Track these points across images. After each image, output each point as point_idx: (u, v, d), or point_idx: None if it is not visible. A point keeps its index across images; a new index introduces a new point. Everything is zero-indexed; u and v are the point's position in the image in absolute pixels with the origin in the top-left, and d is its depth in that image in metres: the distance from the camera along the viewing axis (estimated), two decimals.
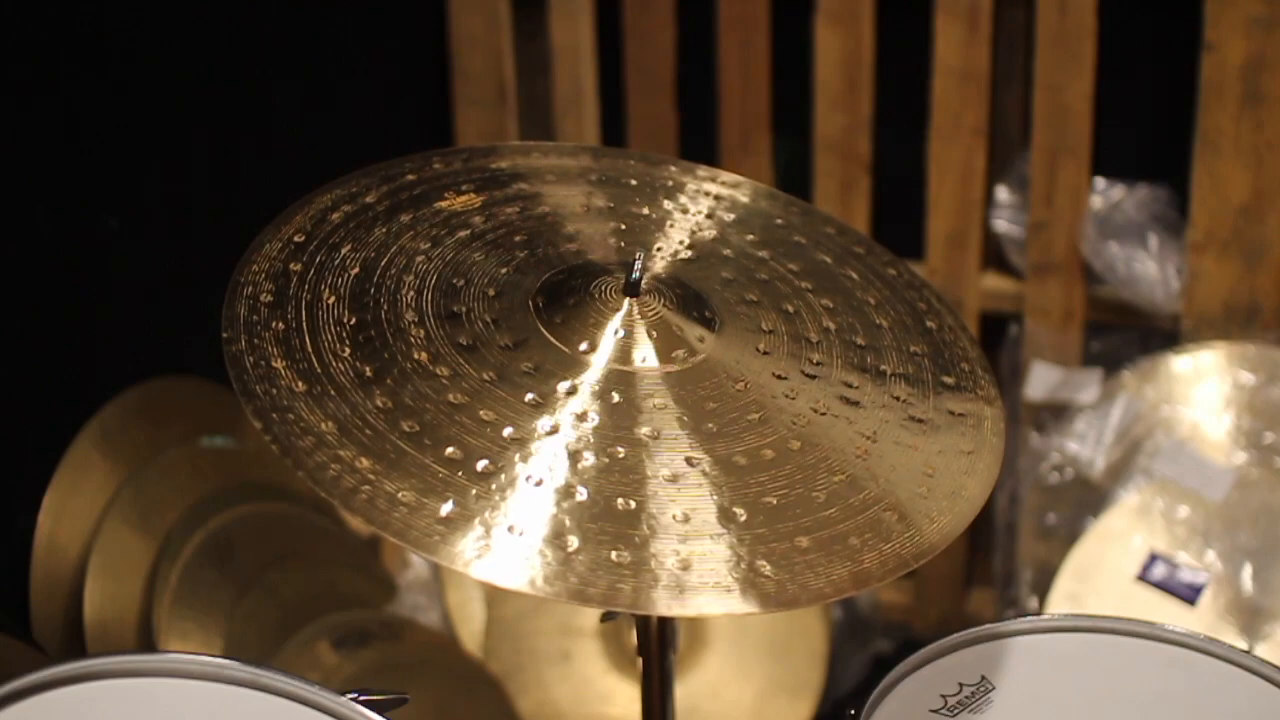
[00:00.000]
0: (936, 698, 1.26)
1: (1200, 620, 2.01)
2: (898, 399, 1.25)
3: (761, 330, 1.26)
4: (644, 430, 1.15)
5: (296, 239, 1.24)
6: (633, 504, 1.10)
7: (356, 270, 1.22)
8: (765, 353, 1.25)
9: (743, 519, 1.11)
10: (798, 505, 1.13)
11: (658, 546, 1.08)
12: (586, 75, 2.46)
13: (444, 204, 1.31)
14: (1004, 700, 1.27)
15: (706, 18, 2.38)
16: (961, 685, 1.28)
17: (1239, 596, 2.04)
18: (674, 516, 1.10)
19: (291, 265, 1.21)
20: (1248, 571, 2.04)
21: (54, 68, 1.85)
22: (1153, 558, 2.07)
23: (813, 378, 1.24)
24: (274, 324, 1.16)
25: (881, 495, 1.17)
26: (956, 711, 1.26)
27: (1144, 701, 1.28)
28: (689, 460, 1.14)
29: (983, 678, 1.29)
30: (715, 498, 1.12)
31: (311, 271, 1.21)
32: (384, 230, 1.26)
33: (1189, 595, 2.05)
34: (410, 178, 1.33)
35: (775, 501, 1.13)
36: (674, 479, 1.12)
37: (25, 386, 1.87)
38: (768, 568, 1.09)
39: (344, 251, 1.23)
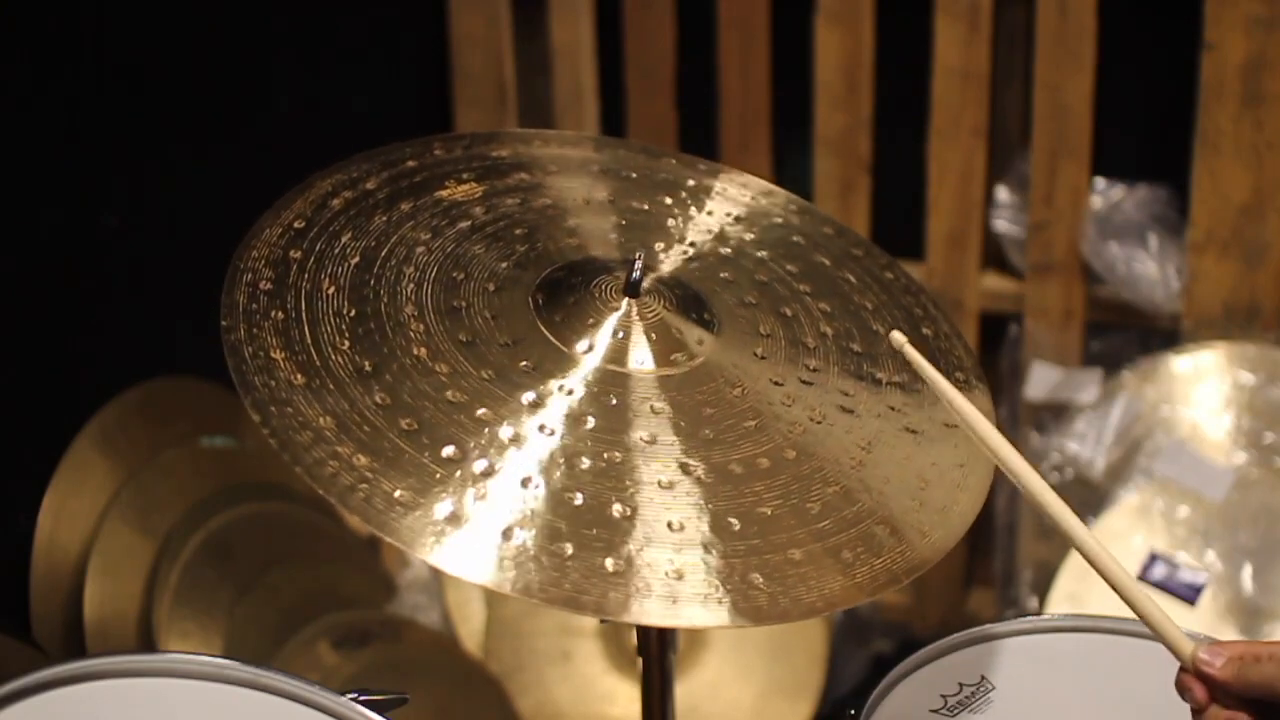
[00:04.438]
0: (936, 698, 1.26)
1: (1200, 620, 2.01)
2: (893, 409, 1.24)
3: (759, 334, 1.25)
4: (640, 435, 1.13)
5: (297, 225, 1.21)
6: (627, 510, 1.08)
7: (356, 260, 1.20)
8: (763, 357, 1.23)
9: (736, 529, 1.10)
10: (792, 516, 1.12)
11: (651, 555, 1.06)
12: (586, 75, 2.46)
13: (445, 193, 1.29)
14: (1004, 700, 1.27)
15: (706, 18, 2.38)
16: (961, 685, 1.28)
17: (1239, 596, 2.04)
18: (668, 525, 1.08)
19: (291, 252, 1.19)
20: (1248, 571, 2.04)
21: (54, 67, 1.85)
22: (1153, 558, 2.07)
23: (809, 385, 1.22)
24: (273, 313, 1.14)
25: (875, 508, 1.15)
26: (956, 711, 1.25)
27: (1144, 701, 1.28)
28: (684, 467, 1.12)
29: (983, 678, 1.29)
30: (710, 506, 1.10)
31: (311, 260, 1.19)
32: (384, 219, 1.24)
33: (1189, 595, 2.04)
34: (411, 164, 1.31)
35: (770, 512, 1.11)
36: (669, 486, 1.11)
37: (25, 386, 1.87)
38: (760, 580, 1.07)
39: (344, 240, 1.21)
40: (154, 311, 2.01)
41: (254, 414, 1.07)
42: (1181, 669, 1.06)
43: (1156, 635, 1.08)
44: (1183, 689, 1.05)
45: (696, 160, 1.43)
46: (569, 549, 1.05)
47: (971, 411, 1.15)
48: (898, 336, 1.19)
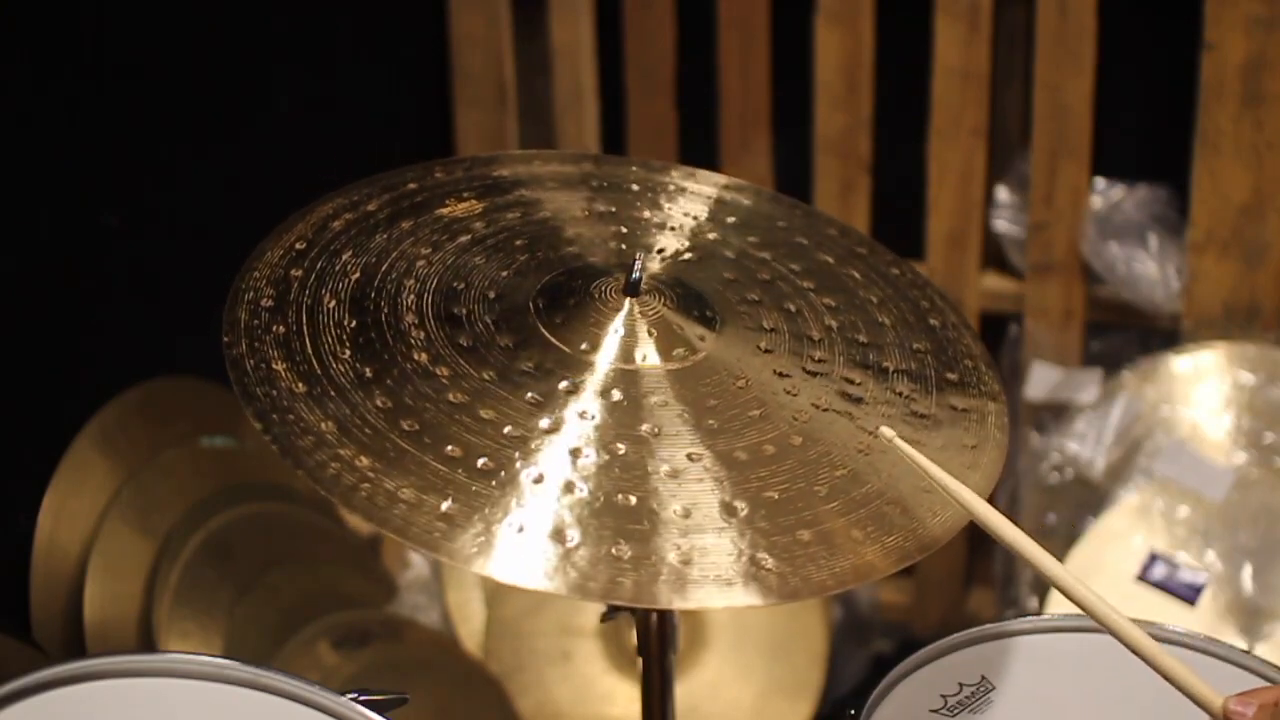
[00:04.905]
0: (936, 698, 1.26)
1: (1200, 620, 2.01)
2: (900, 395, 1.25)
3: (763, 329, 1.27)
4: (645, 427, 1.15)
5: (298, 246, 1.24)
6: (634, 499, 1.10)
7: (357, 275, 1.22)
8: (767, 351, 1.25)
9: (744, 513, 1.11)
10: (799, 499, 1.14)
11: (659, 541, 1.08)
12: (586, 75, 2.46)
13: (445, 210, 1.31)
14: (1004, 700, 1.27)
15: (706, 18, 2.38)
16: (961, 685, 1.28)
17: (1239, 596, 2.04)
18: (675, 511, 1.10)
19: (292, 271, 1.21)
20: (1248, 571, 2.04)
21: (54, 67, 1.85)
22: (1153, 558, 2.07)
23: (814, 375, 1.24)
24: (275, 328, 1.16)
25: (884, 489, 1.17)
26: (956, 711, 1.26)
27: (1144, 702, 1.28)
28: (690, 456, 1.14)
29: (983, 678, 1.29)
30: (716, 493, 1.12)
31: (312, 277, 1.21)
32: (385, 236, 1.27)
33: (1189, 595, 2.04)
34: (412, 186, 1.34)
35: (777, 496, 1.13)
36: (675, 475, 1.12)
37: (25, 386, 1.87)
38: (769, 561, 1.09)
39: (345, 257, 1.24)
40: (154, 311, 2.01)
41: (257, 423, 1.10)
42: None
43: (1183, 691, 1.07)
44: None
45: (696, 171, 1.45)
46: (575, 538, 1.07)
47: (975, 500, 1.15)
48: (886, 431, 1.20)
